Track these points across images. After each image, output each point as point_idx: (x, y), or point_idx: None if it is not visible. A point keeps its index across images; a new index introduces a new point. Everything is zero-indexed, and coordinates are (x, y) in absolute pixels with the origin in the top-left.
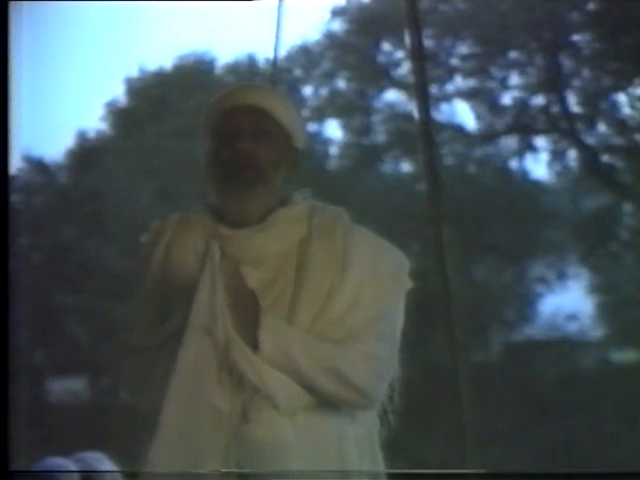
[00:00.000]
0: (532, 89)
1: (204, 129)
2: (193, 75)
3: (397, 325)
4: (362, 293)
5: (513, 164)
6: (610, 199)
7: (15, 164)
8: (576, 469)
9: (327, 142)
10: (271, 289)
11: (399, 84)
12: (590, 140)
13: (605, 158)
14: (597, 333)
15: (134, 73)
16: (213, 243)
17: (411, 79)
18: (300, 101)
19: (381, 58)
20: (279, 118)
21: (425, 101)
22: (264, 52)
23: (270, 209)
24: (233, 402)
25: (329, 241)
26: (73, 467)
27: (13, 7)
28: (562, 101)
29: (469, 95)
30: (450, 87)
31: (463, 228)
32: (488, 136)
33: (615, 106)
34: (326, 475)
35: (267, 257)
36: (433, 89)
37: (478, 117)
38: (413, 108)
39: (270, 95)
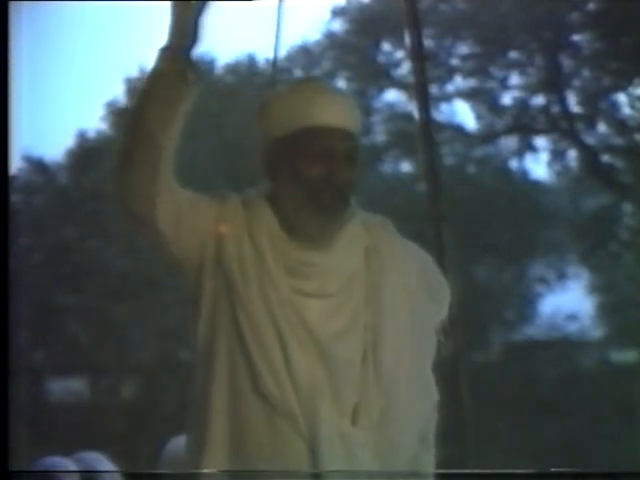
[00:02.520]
0: (532, 89)
1: (270, 130)
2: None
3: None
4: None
5: (513, 164)
6: (610, 199)
7: (15, 164)
8: (576, 469)
9: None
10: (343, 308)
11: (399, 84)
12: (590, 140)
13: (605, 158)
14: (597, 333)
15: (134, 73)
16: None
17: (411, 79)
18: None
19: (381, 58)
20: (360, 137)
21: (425, 101)
22: (264, 52)
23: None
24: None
25: (391, 257)
26: (72, 466)
27: (13, 7)
28: (562, 101)
29: (469, 95)
30: (450, 87)
31: (463, 228)
32: (488, 136)
33: (615, 106)
34: (328, 475)
35: (336, 274)
36: (433, 89)
37: (478, 117)
38: (413, 108)
39: (356, 114)
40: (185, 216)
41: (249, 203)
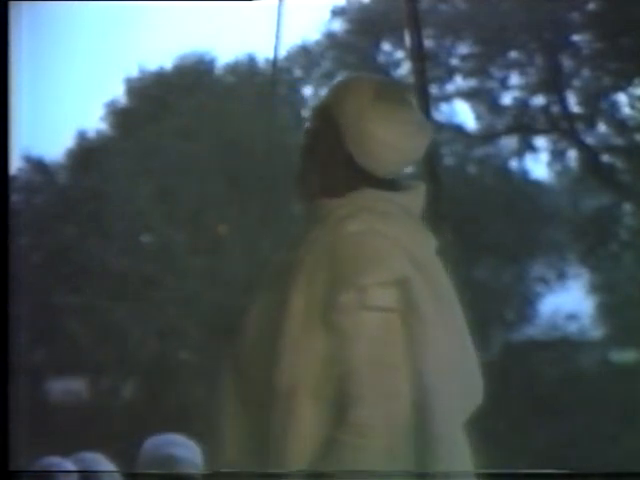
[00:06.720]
0: (532, 89)
1: None
2: (193, 75)
3: None
4: None
5: (513, 164)
6: (610, 199)
7: (15, 164)
8: (576, 469)
9: None
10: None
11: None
12: (590, 140)
13: (605, 158)
14: (597, 333)
15: (134, 73)
16: None
17: (411, 79)
18: (300, 101)
19: (381, 58)
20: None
21: (425, 101)
22: (264, 52)
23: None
24: None
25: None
26: (71, 467)
27: (13, 7)
28: (562, 101)
29: (469, 95)
30: (450, 87)
31: (463, 228)
32: (488, 136)
33: (615, 106)
34: (332, 475)
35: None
36: (433, 89)
37: (478, 117)
38: None
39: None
40: None
41: None
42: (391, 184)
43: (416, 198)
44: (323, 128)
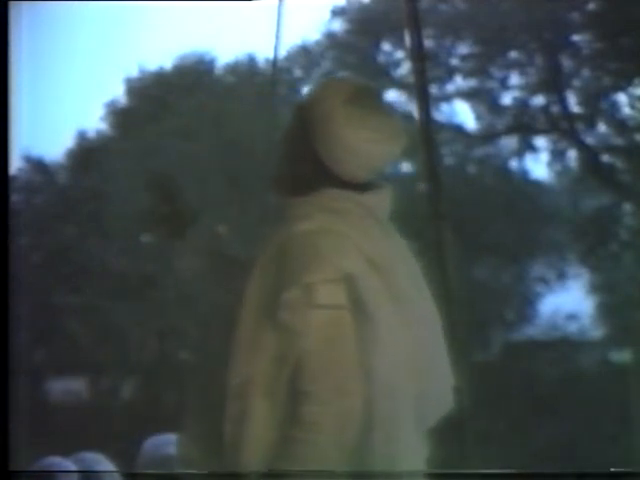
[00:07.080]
0: (532, 89)
1: None
2: (193, 75)
3: None
4: None
5: (513, 164)
6: (610, 199)
7: (15, 164)
8: (576, 469)
9: None
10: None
11: (399, 84)
12: (590, 140)
13: (605, 158)
14: (597, 333)
15: (134, 73)
16: None
17: (411, 79)
18: None
19: (381, 58)
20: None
21: (425, 101)
22: (264, 52)
23: None
24: None
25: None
26: (72, 467)
27: (13, 7)
28: (562, 101)
29: (469, 95)
30: (450, 87)
31: (463, 228)
32: (488, 136)
33: (615, 106)
34: (331, 475)
35: None
36: (433, 89)
37: (478, 117)
38: (413, 108)
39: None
40: None
41: None
42: (358, 185)
43: (382, 200)
44: (297, 127)
